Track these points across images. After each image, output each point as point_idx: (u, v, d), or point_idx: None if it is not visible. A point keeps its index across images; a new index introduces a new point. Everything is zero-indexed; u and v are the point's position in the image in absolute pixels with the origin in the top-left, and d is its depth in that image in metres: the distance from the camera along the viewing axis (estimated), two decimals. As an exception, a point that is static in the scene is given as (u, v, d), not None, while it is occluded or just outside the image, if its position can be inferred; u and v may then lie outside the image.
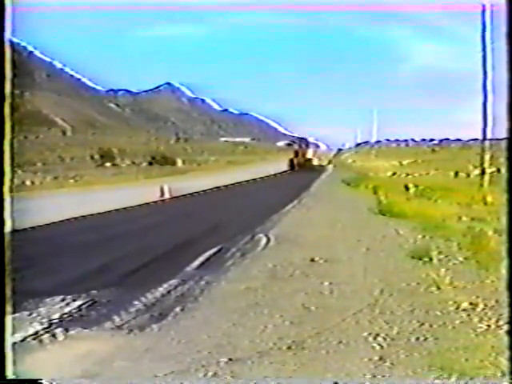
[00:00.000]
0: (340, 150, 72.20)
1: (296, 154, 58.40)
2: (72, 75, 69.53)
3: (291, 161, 57.39)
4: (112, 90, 70.33)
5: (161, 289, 8.98)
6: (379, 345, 6.26)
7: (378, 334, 6.57)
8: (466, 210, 18.63)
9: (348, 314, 7.40)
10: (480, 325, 6.88)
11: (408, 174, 45.07)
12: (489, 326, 6.84)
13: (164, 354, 6.17)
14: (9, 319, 5.05)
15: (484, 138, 29.55)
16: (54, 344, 6.57)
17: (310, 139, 61.67)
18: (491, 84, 28.38)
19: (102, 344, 6.55)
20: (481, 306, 7.62)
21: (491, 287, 8.52)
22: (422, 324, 6.95)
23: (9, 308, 5.03)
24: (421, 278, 9.20)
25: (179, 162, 58.05)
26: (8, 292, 5.00)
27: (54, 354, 6.28)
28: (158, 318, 7.48)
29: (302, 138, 61.35)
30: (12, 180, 5.12)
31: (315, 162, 59.23)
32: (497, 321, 6.96)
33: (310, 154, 59.27)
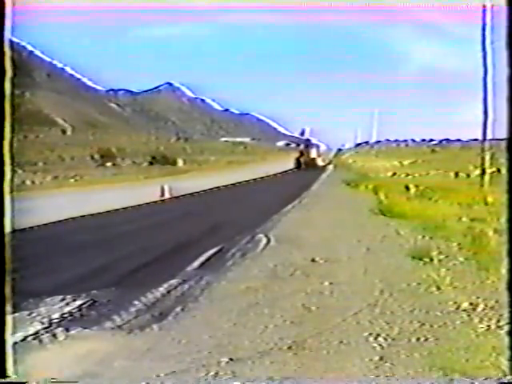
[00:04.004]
0: (340, 150, 72.24)
1: (301, 153, 59.28)
2: (72, 75, 69.52)
3: (298, 160, 58.22)
4: (112, 89, 70.34)
5: (161, 289, 8.98)
6: (380, 345, 6.26)
7: (378, 334, 6.57)
8: (466, 211, 18.62)
9: (348, 314, 7.40)
10: (480, 325, 6.88)
11: (408, 175, 45.05)
12: (489, 326, 6.83)
13: (164, 354, 6.17)
14: (9, 319, 5.05)
15: (484, 139, 29.53)
16: (55, 344, 6.57)
17: (313, 140, 62.09)
18: (491, 84, 28.37)
19: (102, 344, 6.55)
20: (481, 306, 7.62)
21: (491, 287, 8.52)
22: (423, 324, 6.94)
23: (9, 308, 5.02)
24: (421, 279, 9.20)
25: (179, 162, 58.04)
26: (8, 292, 4.99)
27: (55, 353, 6.28)
28: (159, 318, 7.48)
29: (306, 139, 61.88)
30: (12, 180, 5.12)
31: (319, 162, 59.89)
32: (497, 321, 6.95)
33: (314, 153, 59.96)
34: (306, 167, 56.74)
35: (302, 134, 62.53)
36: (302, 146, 61.12)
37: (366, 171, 49.21)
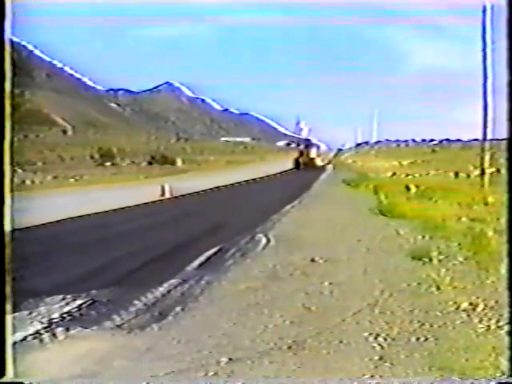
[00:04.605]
0: (340, 150, 72.19)
1: (301, 153, 59.19)
2: (72, 74, 69.50)
3: (297, 160, 58.10)
4: (112, 89, 70.30)
5: (161, 288, 8.98)
6: (379, 345, 6.26)
7: (378, 334, 6.57)
8: (466, 211, 18.61)
9: (348, 314, 7.40)
10: (480, 325, 6.88)
11: (408, 175, 45.03)
12: (489, 326, 6.83)
13: (164, 354, 6.17)
14: (9, 319, 5.05)
15: (484, 139, 29.50)
16: (55, 343, 6.57)
17: (313, 140, 62.09)
18: (491, 84, 28.34)
19: (102, 343, 6.54)
20: (481, 306, 7.62)
21: (491, 288, 8.52)
22: (423, 324, 6.94)
23: (9, 307, 5.02)
24: (421, 279, 9.20)
25: (179, 162, 57.99)
26: (8, 291, 4.99)
27: (55, 353, 6.28)
28: (159, 318, 7.48)
29: (306, 139, 61.89)
30: (12, 179, 5.12)
31: (319, 162, 59.81)
32: (497, 321, 6.95)
33: (313, 153, 59.89)
34: (305, 167, 56.69)
35: (298, 124, 62.52)
36: (301, 146, 61.09)
37: (366, 171, 49.21)
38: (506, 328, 6.60)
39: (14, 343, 5.86)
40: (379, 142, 64.37)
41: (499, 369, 5.52)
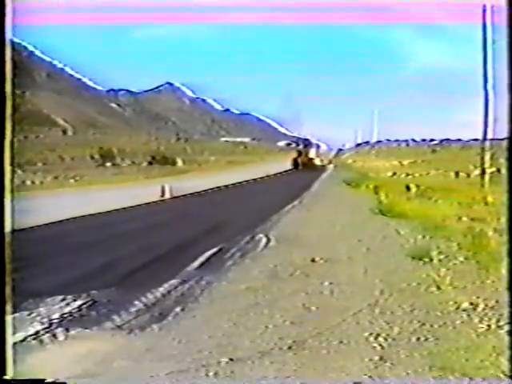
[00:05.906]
0: (340, 150, 72.02)
1: (299, 153, 58.92)
2: (72, 75, 69.45)
3: (295, 160, 57.82)
4: (113, 89, 70.13)
5: (161, 289, 8.98)
6: (380, 345, 6.26)
7: (378, 334, 6.57)
8: (466, 211, 18.59)
9: (348, 314, 7.40)
10: (480, 325, 6.88)
11: (408, 174, 44.94)
12: (489, 326, 6.83)
13: (164, 354, 6.17)
14: (9, 319, 5.05)
15: (484, 139, 29.48)
16: (55, 344, 6.57)
17: (312, 140, 61.94)
18: (492, 84, 28.32)
19: (102, 344, 6.55)
20: (481, 306, 7.62)
21: (491, 287, 8.52)
22: (423, 324, 6.94)
23: (9, 308, 5.02)
24: (421, 278, 9.20)
25: (179, 162, 57.91)
26: (8, 292, 4.99)
27: (55, 353, 6.28)
28: (159, 318, 7.48)
29: (305, 139, 61.75)
30: (12, 180, 5.12)
31: (318, 162, 59.59)
32: (497, 321, 6.95)
33: (312, 153, 59.67)
34: (304, 167, 56.49)
35: (297, 123, 62.45)
36: (300, 146, 60.91)
37: (367, 171, 49.12)
38: (507, 328, 6.60)
39: (14, 344, 5.86)
40: (379, 141, 64.21)
41: (499, 369, 5.52)
